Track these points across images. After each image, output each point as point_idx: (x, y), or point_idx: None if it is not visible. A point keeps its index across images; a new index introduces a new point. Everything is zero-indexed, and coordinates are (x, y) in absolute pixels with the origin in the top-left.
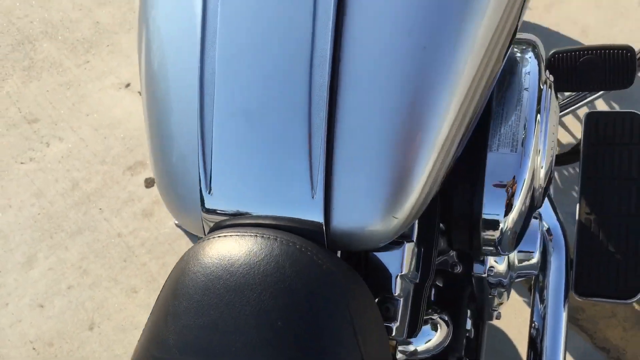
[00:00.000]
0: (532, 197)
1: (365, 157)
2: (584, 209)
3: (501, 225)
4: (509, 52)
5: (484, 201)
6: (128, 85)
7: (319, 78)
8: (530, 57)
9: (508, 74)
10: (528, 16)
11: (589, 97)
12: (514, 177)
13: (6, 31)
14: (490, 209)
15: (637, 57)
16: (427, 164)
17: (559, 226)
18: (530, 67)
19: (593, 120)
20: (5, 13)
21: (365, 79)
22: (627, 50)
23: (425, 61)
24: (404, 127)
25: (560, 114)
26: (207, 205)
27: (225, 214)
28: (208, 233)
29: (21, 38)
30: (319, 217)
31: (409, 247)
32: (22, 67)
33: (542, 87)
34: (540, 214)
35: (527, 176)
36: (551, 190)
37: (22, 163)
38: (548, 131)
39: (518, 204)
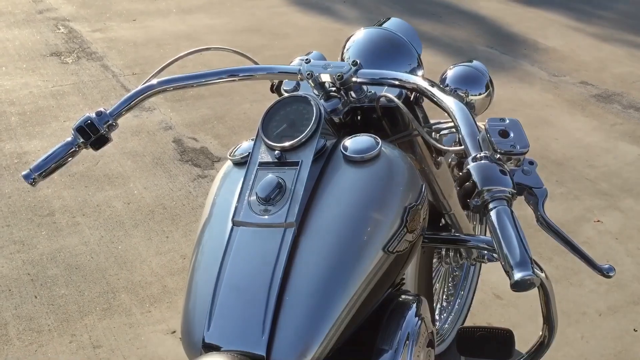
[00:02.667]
0: None
1: (296, 320)
2: None
3: None
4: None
5: None
6: (174, 332)
7: (275, 281)
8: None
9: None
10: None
11: None
12: None
13: (98, 283)
14: None
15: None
16: (334, 326)
17: None
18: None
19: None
20: (102, 271)
21: (301, 284)
22: (508, 332)
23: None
24: (320, 309)
25: None
26: (206, 339)
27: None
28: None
29: (108, 288)
30: (263, 351)
31: None
32: (102, 308)
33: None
34: None
35: None
36: None
37: None
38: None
39: None
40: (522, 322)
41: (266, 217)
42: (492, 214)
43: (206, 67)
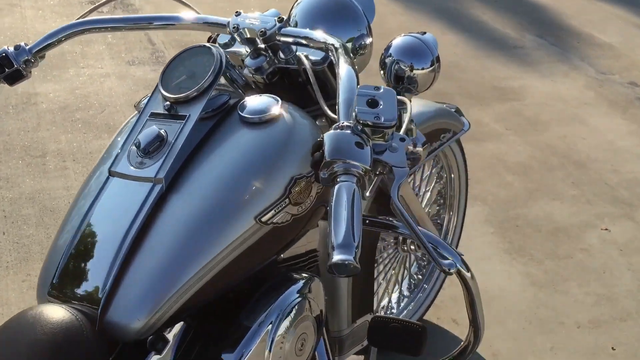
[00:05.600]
0: None
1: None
2: None
3: None
4: None
5: None
6: None
7: (128, 238)
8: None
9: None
10: None
11: None
12: None
13: None
14: None
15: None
16: (172, 294)
17: None
18: None
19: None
20: None
21: (154, 244)
22: (421, 327)
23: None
24: (168, 272)
25: None
26: (50, 289)
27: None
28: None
29: None
30: (97, 309)
31: None
32: None
33: None
34: None
35: None
36: None
37: None
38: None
39: None
40: (492, 322)
41: (139, 170)
42: (335, 188)
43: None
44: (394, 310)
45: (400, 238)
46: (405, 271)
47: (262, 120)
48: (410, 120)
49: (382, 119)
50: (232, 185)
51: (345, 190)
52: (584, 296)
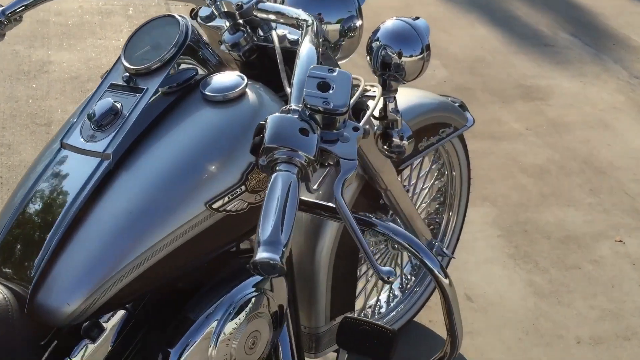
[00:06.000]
0: None
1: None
2: None
3: None
4: None
5: None
6: None
7: (68, 217)
8: None
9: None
10: None
11: None
12: None
13: None
14: None
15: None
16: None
17: None
18: None
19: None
20: None
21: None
22: (391, 332)
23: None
24: (105, 255)
25: None
26: None
27: None
28: None
29: None
30: (27, 290)
31: None
32: None
33: None
34: None
35: None
36: None
37: None
38: None
39: None
40: (486, 329)
41: (89, 143)
42: (272, 177)
43: None
44: (382, 310)
45: None
46: (397, 270)
47: (225, 99)
48: (396, 111)
49: (332, 105)
50: (183, 167)
51: (281, 181)
52: (588, 310)
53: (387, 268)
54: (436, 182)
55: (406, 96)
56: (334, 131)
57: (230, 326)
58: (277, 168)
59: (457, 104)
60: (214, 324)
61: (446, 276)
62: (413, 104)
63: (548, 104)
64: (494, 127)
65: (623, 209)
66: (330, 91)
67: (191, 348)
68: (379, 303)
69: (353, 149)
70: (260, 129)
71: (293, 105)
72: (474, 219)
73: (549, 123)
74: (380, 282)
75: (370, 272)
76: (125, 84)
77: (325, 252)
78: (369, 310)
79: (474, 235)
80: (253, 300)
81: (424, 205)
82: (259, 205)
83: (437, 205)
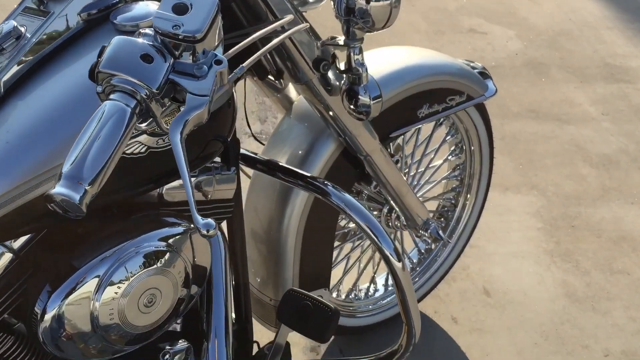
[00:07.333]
0: None
1: None
2: None
3: None
4: None
5: None
6: None
7: None
8: None
9: None
10: None
11: None
12: None
13: None
14: None
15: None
16: None
17: None
18: None
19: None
20: None
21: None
22: (333, 311)
23: None
24: None
25: None
26: None
27: None
28: None
29: None
30: None
31: None
32: None
33: None
34: None
35: None
36: None
37: None
38: None
39: None
40: (498, 329)
41: None
42: (100, 107)
43: None
44: (378, 293)
45: (385, 210)
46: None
47: (134, 30)
48: (361, 64)
49: (181, 29)
50: (77, 102)
51: (107, 111)
52: (627, 321)
53: (206, 220)
54: (452, 158)
55: (410, 54)
56: (191, 63)
57: (117, 278)
58: (110, 97)
59: (476, 70)
60: (101, 273)
61: (399, 259)
62: (415, 64)
63: (636, 88)
64: (564, 108)
65: None
66: (187, 14)
67: (72, 296)
68: (374, 286)
69: (207, 85)
70: (102, 52)
71: (146, 29)
72: (514, 207)
73: (632, 109)
74: (376, 263)
75: (362, 253)
76: (36, 6)
77: (295, 219)
78: (361, 294)
79: (510, 224)
80: (153, 255)
81: (433, 182)
82: (161, 150)
83: (454, 185)
